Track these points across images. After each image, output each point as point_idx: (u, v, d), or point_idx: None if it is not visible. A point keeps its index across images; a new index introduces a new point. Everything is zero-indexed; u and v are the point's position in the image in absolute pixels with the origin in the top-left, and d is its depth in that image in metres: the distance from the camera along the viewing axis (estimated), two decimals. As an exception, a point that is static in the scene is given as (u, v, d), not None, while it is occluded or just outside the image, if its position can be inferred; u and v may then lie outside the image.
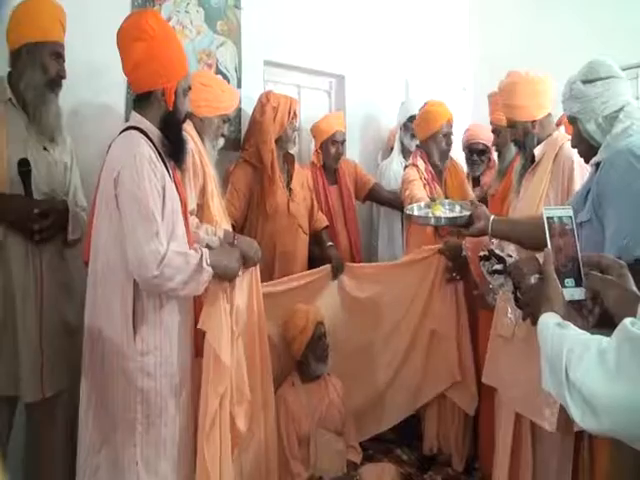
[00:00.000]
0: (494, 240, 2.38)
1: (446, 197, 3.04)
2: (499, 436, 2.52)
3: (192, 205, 2.22)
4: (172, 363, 1.87)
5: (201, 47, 3.04)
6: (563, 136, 2.45)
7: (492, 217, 2.20)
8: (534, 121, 2.45)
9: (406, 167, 3.27)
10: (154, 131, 1.87)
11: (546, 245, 1.16)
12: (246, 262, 2.17)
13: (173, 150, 1.91)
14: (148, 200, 1.73)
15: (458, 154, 3.70)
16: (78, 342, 1.92)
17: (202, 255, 1.83)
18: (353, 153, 3.83)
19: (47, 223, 2.10)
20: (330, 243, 3.16)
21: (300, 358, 2.67)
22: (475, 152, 3.47)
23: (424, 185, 3.11)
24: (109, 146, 1.90)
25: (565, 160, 2.33)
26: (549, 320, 1.04)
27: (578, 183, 2.27)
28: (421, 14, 4.26)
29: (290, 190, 3.04)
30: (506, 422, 2.46)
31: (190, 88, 1.98)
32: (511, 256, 2.29)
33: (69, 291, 2.24)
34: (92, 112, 2.64)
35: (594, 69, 1.75)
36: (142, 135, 1.82)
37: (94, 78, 2.60)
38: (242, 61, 3.24)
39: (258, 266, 2.31)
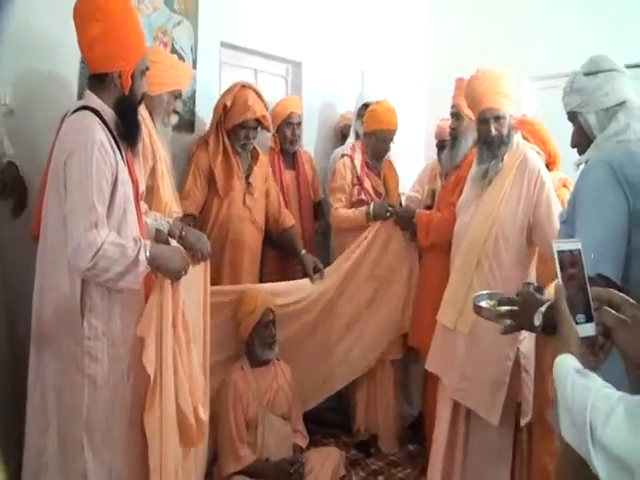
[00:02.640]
0: None
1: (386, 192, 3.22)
2: (437, 423, 2.57)
3: (142, 188, 2.14)
4: (120, 347, 1.83)
5: (157, 24, 2.95)
6: (524, 142, 2.50)
7: None
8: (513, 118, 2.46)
9: (342, 156, 3.30)
10: (108, 112, 1.82)
11: (557, 278, 1.11)
12: (194, 255, 2.13)
13: (127, 132, 1.86)
14: (92, 189, 1.68)
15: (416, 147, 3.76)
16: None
17: (141, 247, 1.76)
18: (309, 140, 3.84)
19: None
20: (304, 251, 3.11)
21: (247, 339, 2.68)
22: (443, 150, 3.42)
23: (354, 185, 3.17)
24: (61, 122, 1.83)
25: (530, 170, 2.37)
26: (568, 365, 0.99)
27: (550, 183, 2.37)
28: (379, 6, 4.28)
29: (249, 184, 3.00)
30: (443, 409, 2.52)
31: (148, 69, 1.93)
32: None
33: None
34: (43, 85, 2.52)
35: (596, 62, 1.74)
36: (96, 116, 1.77)
37: (46, 51, 2.49)
38: (198, 42, 3.18)
39: (208, 262, 2.26)
